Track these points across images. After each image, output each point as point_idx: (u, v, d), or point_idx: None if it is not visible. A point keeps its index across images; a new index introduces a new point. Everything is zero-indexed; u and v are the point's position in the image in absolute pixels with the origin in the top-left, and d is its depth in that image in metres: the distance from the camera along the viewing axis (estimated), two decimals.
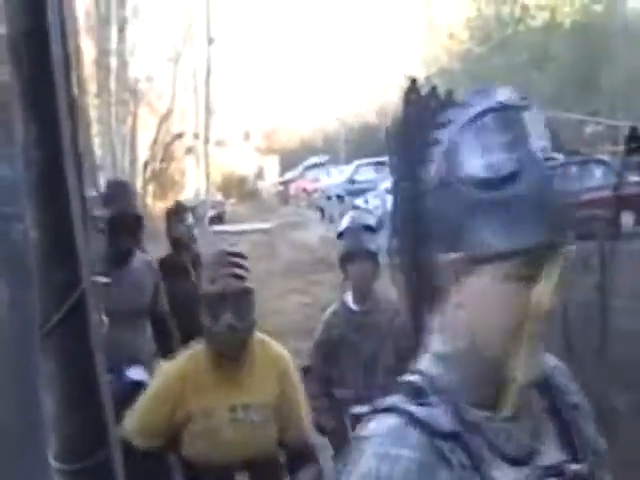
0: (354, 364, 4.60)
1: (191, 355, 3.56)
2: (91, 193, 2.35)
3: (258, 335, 3.63)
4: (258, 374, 3.54)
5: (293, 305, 15.57)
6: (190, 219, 7.72)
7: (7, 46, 2.16)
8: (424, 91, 1.76)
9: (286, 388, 3.60)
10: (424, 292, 1.57)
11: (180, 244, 7.43)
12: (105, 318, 3.90)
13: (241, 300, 3.41)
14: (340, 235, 4.83)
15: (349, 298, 4.81)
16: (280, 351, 3.72)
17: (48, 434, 2.24)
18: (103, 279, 3.15)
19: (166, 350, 5.26)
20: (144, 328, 5.46)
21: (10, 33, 2.13)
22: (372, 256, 4.62)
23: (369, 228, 4.72)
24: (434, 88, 1.81)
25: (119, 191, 5.50)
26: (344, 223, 4.86)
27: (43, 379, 2.18)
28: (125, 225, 5.27)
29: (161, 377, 3.60)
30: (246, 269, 3.53)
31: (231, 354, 3.44)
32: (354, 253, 4.63)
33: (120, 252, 5.33)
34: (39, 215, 2.11)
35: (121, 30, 32.58)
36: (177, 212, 7.82)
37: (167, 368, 3.62)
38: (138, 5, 34.56)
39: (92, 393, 2.20)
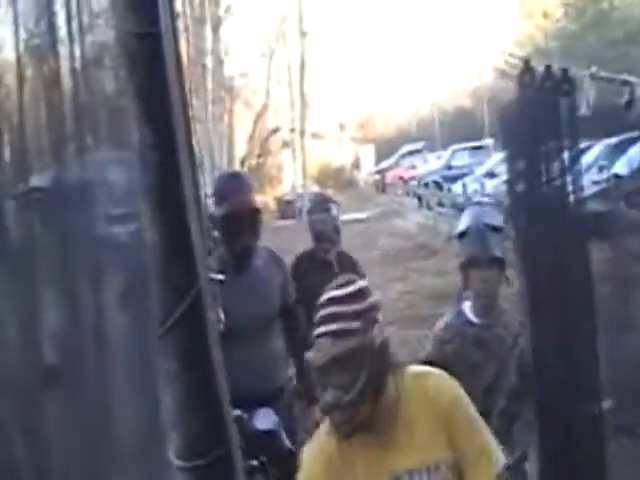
0: (472, 387, 3.68)
1: (328, 432, 2.90)
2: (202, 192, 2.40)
3: (408, 370, 2.97)
4: (417, 425, 2.85)
5: (394, 293, 15.51)
6: (334, 210, 6.95)
7: (119, 49, 2.20)
8: (538, 71, 1.71)
9: (456, 432, 2.85)
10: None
11: (323, 237, 6.80)
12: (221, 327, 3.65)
13: (342, 365, 2.75)
14: (461, 235, 4.24)
15: (467, 309, 4.26)
16: (437, 383, 2.95)
17: (169, 432, 2.28)
18: (219, 276, 3.18)
19: (296, 348, 4.90)
20: (273, 333, 4.98)
21: (121, 36, 2.17)
22: (499, 262, 4.07)
23: (495, 229, 4.13)
24: (548, 67, 1.77)
25: (233, 185, 4.98)
26: (464, 221, 4.27)
27: (162, 378, 2.23)
28: (243, 221, 4.80)
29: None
30: (355, 317, 2.85)
31: (346, 430, 2.80)
32: (478, 258, 4.09)
33: (240, 252, 4.88)
34: (157, 217, 2.15)
35: (215, 29, 33.00)
36: (319, 203, 7.15)
37: (306, 466, 2.96)
38: (231, 3, 34.93)
39: (211, 391, 2.23)
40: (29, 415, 3.08)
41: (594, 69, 4.02)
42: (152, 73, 2.12)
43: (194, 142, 2.31)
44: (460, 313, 4.27)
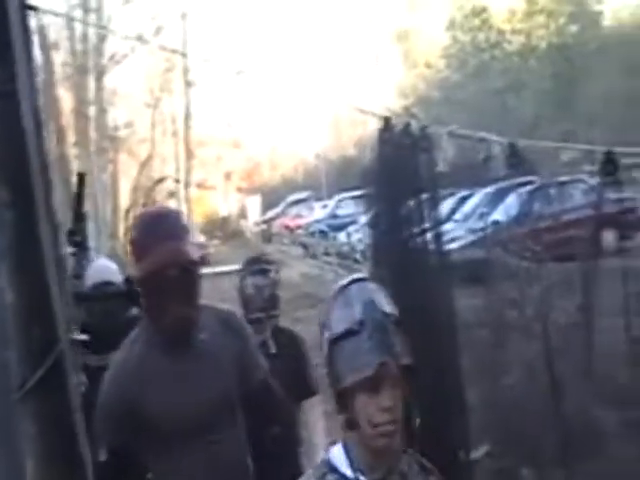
0: None
1: None
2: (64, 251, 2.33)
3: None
4: None
5: None
6: (272, 274, 6.97)
7: None
8: (397, 129, 1.77)
9: None
10: None
11: (254, 306, 6.52)
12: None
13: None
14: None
15: None
16: None
17: None
18: (82, 336, 3.04)
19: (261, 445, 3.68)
20: (234, 430, 3.46)
21: None
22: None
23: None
24: (407, 125, 1.83)
25: (157, 229, 3.27)
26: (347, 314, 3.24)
27: (23, 441, 2.16)
28: (174, 281, 3.21)
29: None
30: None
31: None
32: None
33: (173, 326, 3.27)
34: (14, 277, 2.10)
35: (99, 78, 32.72)
36: (253, 263, 7.20)
37: None
38: (116, 53, 34.71)
39: (72, 454, 2.17)
40: None
41: (453, 127, 4.17)
42: (8, 132, 2.09)
43: (55, 200, 2.27)
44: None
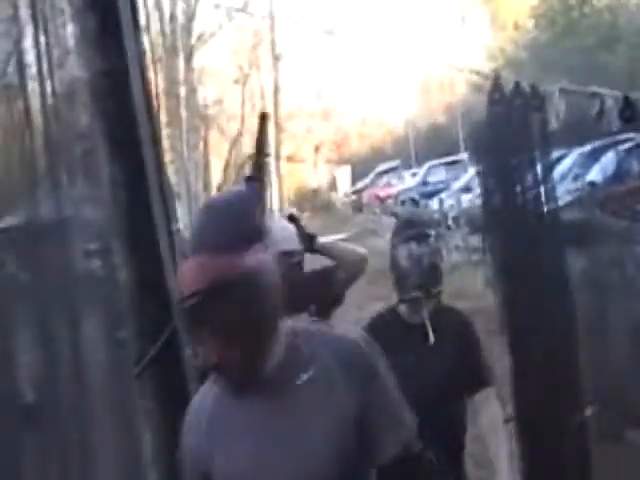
0: None
1: None
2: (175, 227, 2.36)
3: None
4: None
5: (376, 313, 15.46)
6: None
7: (88, 88, 2.20)
8: (508, 88, 1.73)
9: None
10: None
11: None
12: None
13: None
14: None
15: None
16: None
17: (148, 472, 2.26)
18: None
19: None
20: None
21: (89, 74, 2.17)
22: None
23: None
24: (517, 84, 1.79)
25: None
26: None
27: (141, 416, 2.21)
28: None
29: None
30: None
31: None
32: None
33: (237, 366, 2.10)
34: (129, 255, 2.15)
35: (188, 59, 33.05)
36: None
37: None
38: (204, 32, 34.97)
39: None
40: (8, 454, 3.05)
41: (563, 83, 4.06)
42: (120, 111, 2.12)
43: (167, 176, 2.30)
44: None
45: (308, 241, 4.16)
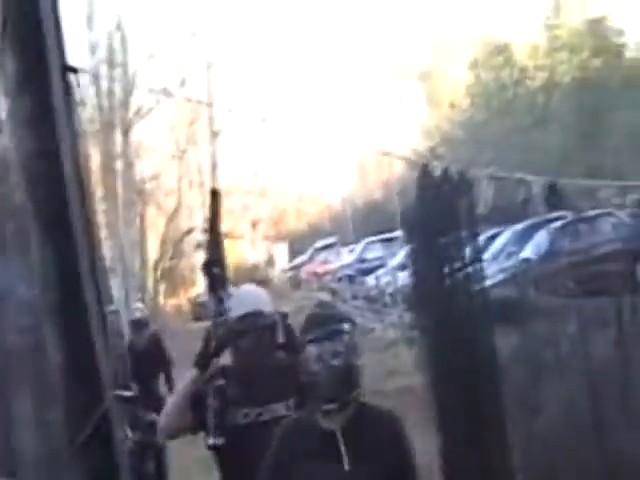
0: None
1: None
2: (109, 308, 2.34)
3: None
4: None
5: None
6: None
7: (18, 168, 2.19)
8: (436, 174, 1.78)
9: None
10: None
11: None
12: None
13: None
14: None
15: None
16: None
17: None
18: (127, 393, 3.06)
19: None
20: None
21: (21, 155, 2.16)
22: None
23: None
24: (446, 170, 1.84)
25: None
26: None
27: None
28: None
29: None
30: None
31: None
32: None
33: None
34: (60, 337, 2.12)
35: (125, 133, 33.09)
36: None
37: None
38: (142, 107, 35.07)
39: None
40: None
41: (492, 169, 4.16)
42: (51, 192, 2.12)
43: (101, 257, 2.29)
44: None
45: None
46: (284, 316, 3.79)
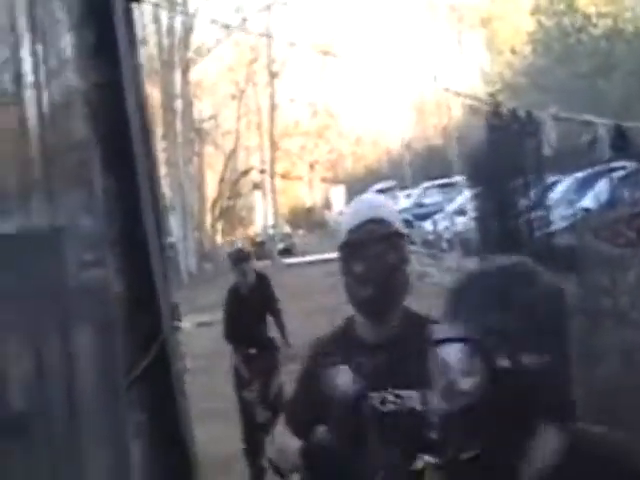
0: None
1: None
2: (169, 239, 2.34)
3: None
4: None
5: None
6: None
7: (84, 99, 2.20)
8: (505, 115, 1.72)
9: None
10: None
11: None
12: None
13: None
14: None
15: None
16: None
17: None
18: (185, 324, 3.06)
19: None
20: None
21: (85, 86, 2.17)
22: None
23: None
24: (514, 111, 1.79)
25: None
26: None
27: (131, 427, 2.20)
28: None
29: None
30: None
31: None
32: None
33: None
34: (121, 267, 2.14)
35: (185, 72, 33.12)
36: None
37: None
38: (201, 46, 35.06)
39: (177, 441, 2.20)
40: None
41: (555, 109, 4.02)
42: (114, 123, 2.12)
43: (161, 189, 2.30)
44: None
45: None
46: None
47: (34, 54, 3.04)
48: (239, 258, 8.54)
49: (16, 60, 3.23)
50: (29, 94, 3.21)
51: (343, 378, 2.71)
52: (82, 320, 2.85)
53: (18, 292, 3.27)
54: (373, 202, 2.99)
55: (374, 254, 2.73)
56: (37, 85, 3.08)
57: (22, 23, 3.20)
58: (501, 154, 2.20)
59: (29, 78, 3.18)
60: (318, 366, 2.78)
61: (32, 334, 3.08)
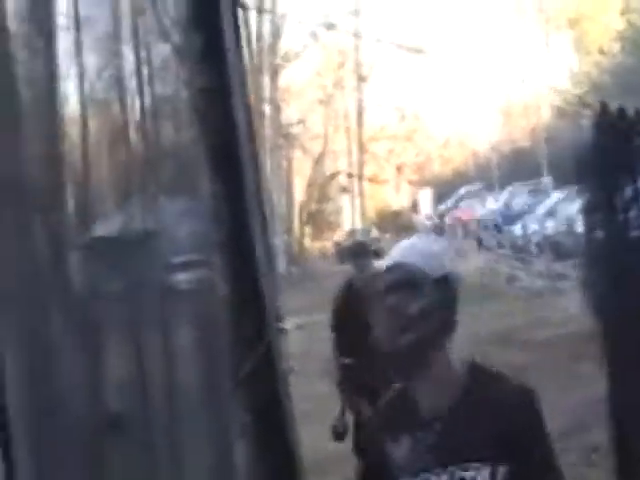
0: None
1: None
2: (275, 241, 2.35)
3: None
4: None
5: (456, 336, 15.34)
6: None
7: (190, 104, 2.22)
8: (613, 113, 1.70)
9: None
10: None
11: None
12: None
13: None
14: None
15: None
16: None
17: None
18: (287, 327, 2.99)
19: None
20: None
21: (192, 91, 2.19)
22: None
23: None
24: (622, 110, 1.76)
25: None
26: None
27: (235, 428, 2.22)
28: None
29: None
30: None
31: None
32: None
33: None
34: (229, 269, 2.16)
35: (273, 77, 33.38)
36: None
37: None
38: (289, 51, 35.29)
39: (282, 442, 2.21)
40: (94, 463, 3.08)
41: None
42: (222, 128, 2.14)
43: (267, 191, 2.31)
44: None
45: None
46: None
47: (137, 60, 3.09)
48: (359, 252, 7.65)
49: (118, 66, 3.29)
50: (130, 98, 3.27)
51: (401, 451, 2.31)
52: (185, 321, 2.87)
53: (119, 293, 3.32)
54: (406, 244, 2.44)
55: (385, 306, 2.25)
56: (140, 90, 3.13)
57: (125, 29, 3.25)
58: (610, 152, 2.16)
59: (131, 82, 3.24)
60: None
61: (134, 334, 3.12)
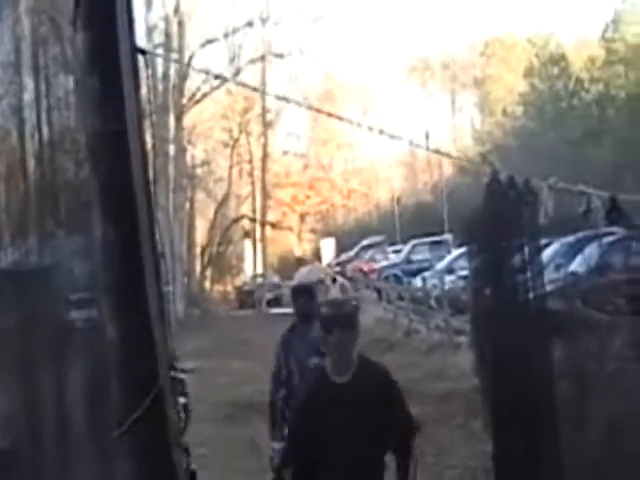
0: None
1: None
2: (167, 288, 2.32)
3: None
4: None
5: None
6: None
7: (87, 146, 2.17)
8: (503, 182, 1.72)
9: None
10: None
11: None
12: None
13: None
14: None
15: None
16: None
17: None
18: (181, 375, 3.02)
19: None
20: None
21: (89, 133, 2.14)
22: None
23: None
24: (512, 178, 1.79)
25: None
26: None
27: (122, 477, 2.14)
28: None
29: None
30: None
31: None
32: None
33: None
34: (117, 314, 2.09)
35: (179, 117, 33.26)
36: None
37: None
38: (196, 92, 35.24)
39: None
40: None
41: (553, 180, 4.03)
42: (116, 171, 2.09)
43: (160, 237, 2.27)
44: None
45: None
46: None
47: (36, 93, 3.03)
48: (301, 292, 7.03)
49: (18, 98, 3.22)
50: (28, 132, 3.20)
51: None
52: (79, 360, 2.79)
53: (11, 327, 3.23)
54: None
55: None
56: (39, 124, 3.06)
57: (26, 62, 3.19)
58: (500, 218, 2.24)
59: (30, 116, 3.17)
60: None
61: (23, 370, 3.02)
